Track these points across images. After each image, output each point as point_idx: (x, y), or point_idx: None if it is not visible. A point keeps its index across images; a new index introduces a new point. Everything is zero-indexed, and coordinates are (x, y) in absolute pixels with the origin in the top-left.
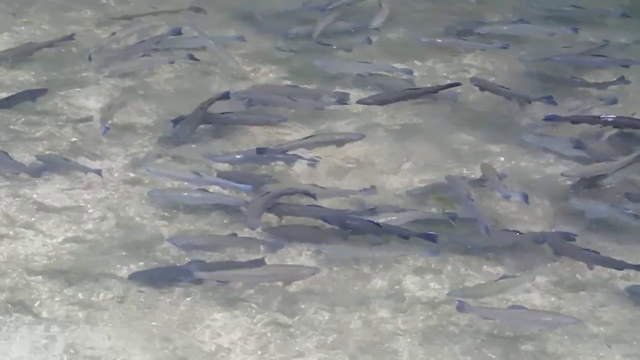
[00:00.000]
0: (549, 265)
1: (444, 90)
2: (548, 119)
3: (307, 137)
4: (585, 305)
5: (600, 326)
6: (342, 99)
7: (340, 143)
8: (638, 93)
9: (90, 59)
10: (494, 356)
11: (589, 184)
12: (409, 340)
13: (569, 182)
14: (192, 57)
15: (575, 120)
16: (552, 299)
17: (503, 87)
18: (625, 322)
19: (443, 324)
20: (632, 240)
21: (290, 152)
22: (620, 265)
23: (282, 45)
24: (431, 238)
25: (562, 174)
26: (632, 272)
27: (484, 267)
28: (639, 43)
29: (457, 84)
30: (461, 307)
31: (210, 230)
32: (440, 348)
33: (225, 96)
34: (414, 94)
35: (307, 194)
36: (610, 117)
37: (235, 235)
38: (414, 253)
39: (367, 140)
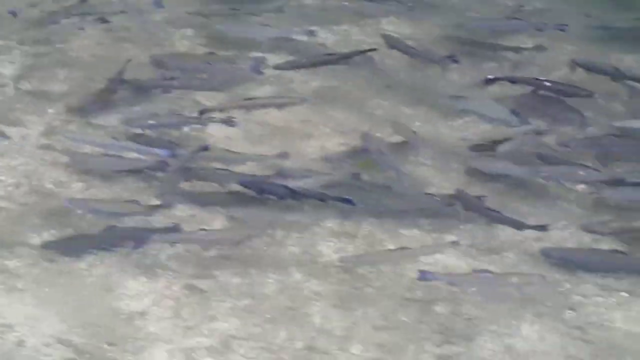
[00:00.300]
0: (461, 227)
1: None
2: (489, 80)
3: (248, 99)
4: (500, 267)
5: (513, 287)
6: (257, 67)
7: (281, 106)
8: (552, 58)
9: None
10: (407, 319)
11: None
12: (323, 304)
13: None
14: (103, 20)
15: (513, 80)
16: (468, 260)
17: (412, 47)
18: (537, 283)
19: (357, 287)
20: (544, 202)
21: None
22: (520, 226)
23: (194, 11)
24: (348, 202)
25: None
26: (547, 236)
27: (400, 230)
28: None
29: (373, 49)
30: (424, 276)
31: (126, 196)
32: (355, 312)
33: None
34: (330, 60)
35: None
36: (549, 81)
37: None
38: (327, 217)
39: (283, 108)
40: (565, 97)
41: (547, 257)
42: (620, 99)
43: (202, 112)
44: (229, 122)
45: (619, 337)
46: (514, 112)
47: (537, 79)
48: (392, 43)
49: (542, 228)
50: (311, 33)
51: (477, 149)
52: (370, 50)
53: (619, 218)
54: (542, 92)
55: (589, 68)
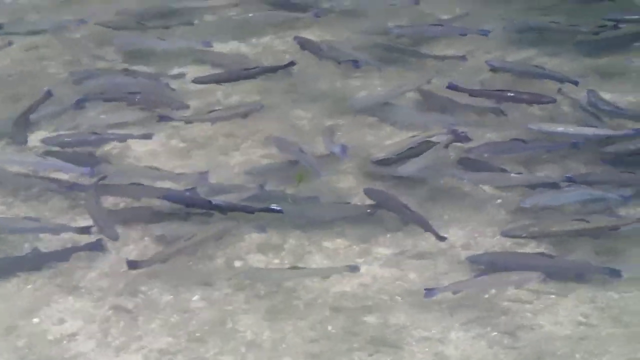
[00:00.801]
0: (388, 235)
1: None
2: (450, 87)
3: (210, 112)
4: (427, 275)
5: (442, 294)
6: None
7: (243, 115)
8: (476, 63)
9: None
10: (336, 330)
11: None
12: (252, 317)
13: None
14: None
15: (473, 94)
16: (394, 269)
17: (321, 48)
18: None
19: (286, 300)
20: (468, 206)
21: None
22: (427, 227)
23: (104, 22)
24: (277, 211)
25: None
26: (472, 241)
27: (324, 242)
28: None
29: (293, 64)
30: (431, 294)
31: (49, 216)
32: (285, 324)
33: (48, 95)
34: (252, 74)
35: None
36: (511, 92)
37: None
38: (244, 230)
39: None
40: (529, 104)
41: (474, 263)
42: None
43: (161, 118)
44: (147, 137)
45: (547, 340)
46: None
47: (500, 90)
48: (304, 45)
49: (441, 238)
50: (208, 43)
51: (380, 161)
52: (290, 64)
53: (539, 222)
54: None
55: (507, 70)
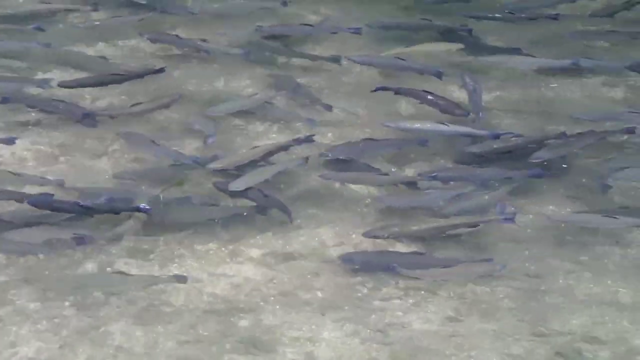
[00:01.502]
0: (259, 237)
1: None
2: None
3: (133, 105)
4: (298, 275)
5: (312, 294)
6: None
7: (166, 105)
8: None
9: None
10: (208, 333)
11: None
12: (123, 322)
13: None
14: None
15: (399, 92)
16: (264, 269)
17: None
18: (336, 289)
19: (156, 304)
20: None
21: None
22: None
23: None
24: (145, 210)
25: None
26: (343, 240)
27: (195, 245)
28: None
29: (163, 70)
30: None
31: None
32: (156, 328)
33: None
34: (119, 78)
35: None
36: (434, 95)
37: None
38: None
39: (73, 125)
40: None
41: (348, 262)
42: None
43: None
44: (8, 141)
45: (417, 337)
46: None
47: (425, 91)
48: (155, 38)
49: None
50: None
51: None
52: (159, 70)
53: (404, 221)
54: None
55: (369, 64)
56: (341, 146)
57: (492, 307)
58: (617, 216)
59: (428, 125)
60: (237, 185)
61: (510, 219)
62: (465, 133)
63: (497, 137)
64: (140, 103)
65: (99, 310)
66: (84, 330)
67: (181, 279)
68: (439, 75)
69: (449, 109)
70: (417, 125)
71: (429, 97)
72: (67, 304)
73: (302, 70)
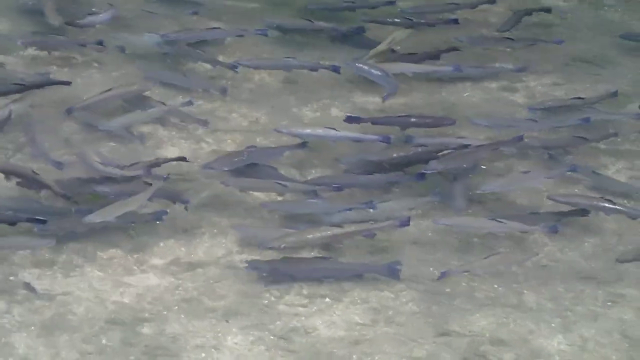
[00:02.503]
0: (162, 244)
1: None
2: (349, 119)
3: (105, 91)
4: (202, 282)
5: (216, 301)
6: None
7: (137, 92)
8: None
9: None
10: (112, 343)
11: None
12: (25, 333)
13: None
14: None
15: (376, 122)
16: (170, 278)
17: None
18: (240, 295)
19: (61, 314)
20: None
21: None
22: None
23: None
24: (40, 222)
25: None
26: (246, 249)
27: (99, 253)
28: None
29: (68, 82)
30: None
31: None
32: (59, 338)
33: None
34: (22, 88)
35: None
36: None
37: None
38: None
39: None
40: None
41: (255, 269)
42: None
43: None
44: None
45: (322, 343)
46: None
47: (400, 116)
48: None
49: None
50: None
51: None
52: (65, 82)
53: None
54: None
55: (260, 67)
56: (221, 158)
57: (397, 312)
58: (503, 220)
59: (319, 131)
60: (94, 218)
61: (406, 224)
62: (355, 138)
63: (388, 141)
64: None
65: (2, 320)
66: None
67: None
68: (336, 70)
69: (437, 122)
70: (308, 130)
71: (412, 120)
72: None
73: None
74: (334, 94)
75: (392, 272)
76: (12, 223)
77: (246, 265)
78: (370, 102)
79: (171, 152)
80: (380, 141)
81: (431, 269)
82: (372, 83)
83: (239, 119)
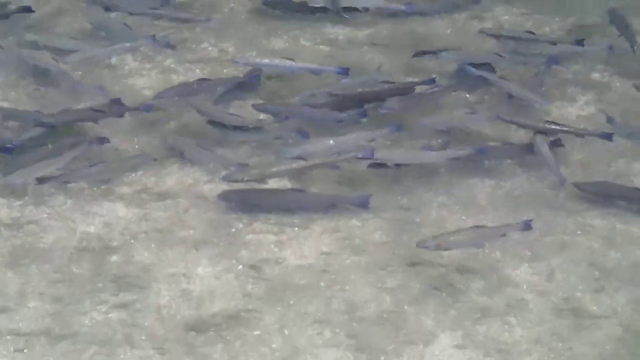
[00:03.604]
0: (133, 175)
1: None
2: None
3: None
4: (171, 213)
5: (186, 230)
6: None
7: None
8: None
9: None
10: (82, 270)
11: None
12: None
13: None
14: None
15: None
16: (137, 209)
17: None
18: (209, 225)
19: (30, 243)
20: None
21: None
22: None
23: None
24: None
25: None
26: (216, 178)
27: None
28: None
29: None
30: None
31: None
32: (29, 268)
33: None
34: None
35: None
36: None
37: None
38: None
39: None
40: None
41: (225, 200)
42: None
43: None
44: None
45: (291, 271)
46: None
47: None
48: None
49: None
50: None
51: None
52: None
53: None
54: None
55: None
56: (172, 89)
57: (365, 240)
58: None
59: (276, 61)
60: (14, 179)
61: (369, 155)
62: (314, 70)
63: (346, 72)
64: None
65: None
66: None
67: None
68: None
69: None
70: (266, 61)
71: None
72: None
73: None
74: (303, 24)
75: (363, 203)
76: None
77: (217, 196)
78: (340, 33)
79: (140, 82)
80: (338, 73)
81: (399, 198)
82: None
83: (209, 49)
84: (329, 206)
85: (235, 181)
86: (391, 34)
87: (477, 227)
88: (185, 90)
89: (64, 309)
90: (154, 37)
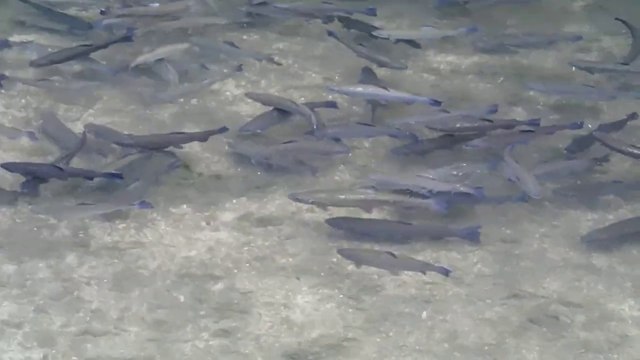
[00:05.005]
0: (234, 201)
1: None
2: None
3: None
4: (273, 239)
5: (287, 258)
6: None
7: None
8: None
9: None
10: (183, 297)
11: None
12: (97, 286)
13: None
14: None
15: None
16: (239, 234)
17: None
18: (310, 253)
19: (131, 268)
20: None
21: None
22: None
23: None
24: (117, 177)
25: None
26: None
27: (170, 208)
28: None
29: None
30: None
31: None
32: (131, 292)
33: None
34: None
35: None
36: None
37: None
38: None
39: None
40: None
41: (334, 226)
42: None
43: None
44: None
45: (391, 301)
46: None
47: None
48: None
49: None
50: None
51: None
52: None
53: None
54: None
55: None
56: (255, 121)
57: (465, 272)
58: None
59: (370, 89)
60: None
61: (480, 195)
62: (405, 99)
63: (438, 104)
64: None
65: (73, 274)
66: (59, 294)
67: None
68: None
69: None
70: (359, 89)
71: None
72: (42, 265)
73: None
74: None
75: (472, 235)
76: (90, 178)
77: (326, 221)
78: (442, 62)
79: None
80: (431, 104)
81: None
82: None
83: (312, 77)
84: (435, 238)
85: (300, 201)
86: (496, 63)
87: None
88: (266, 122)
89: (164, 335)
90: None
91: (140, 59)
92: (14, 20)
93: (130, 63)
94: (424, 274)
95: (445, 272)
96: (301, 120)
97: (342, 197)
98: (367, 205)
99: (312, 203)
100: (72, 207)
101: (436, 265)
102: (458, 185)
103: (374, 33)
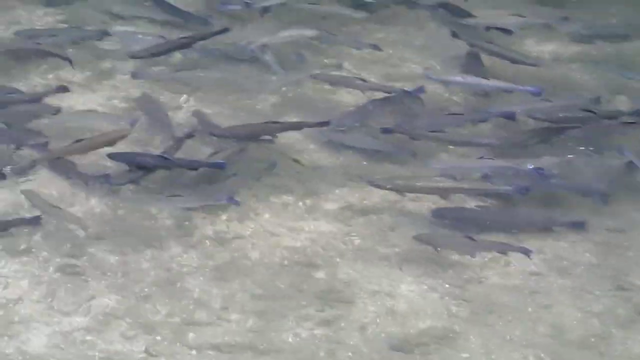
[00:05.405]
0: (336, 191)
1: None
2: None
3: None
4: (375, 229)
5: (390, 248)
6: None
7: None
8: None
9: None
10: (285, 286)
11: None
12: (201, 276)
13: None
14: None
15: None
16: (341, 224)
17: None
18: (412, 243)
19: (234, 258)
20: None
21: None
22: None
23: None
24: (221, 166)
25: None
26: (419, 195)
27: (272, 198)
28: None
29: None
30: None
31: None
32: (232, 283)
33: None
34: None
35: None
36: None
37: None
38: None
39: None
40: None
41: (439, 217)
42: None
43: None
44: None
45: (495, 292)
46: None
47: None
48: None
49: None
50: None
51: None
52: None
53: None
54: None
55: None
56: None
57: (572, 263)
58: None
59: (468, 79)
60: None
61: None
62: (505, 88)
63: (539, 93)
64: None
65: (176, 264)
66: (162, 284)
67: None
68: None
69: None
70: (458, 78)
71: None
72: (146, 256)
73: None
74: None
75: (579, 226)
76: (195, 169)
77: (431, 212)
78: (545, 50)
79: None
80: (532, 93)
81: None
82: None
83: (412, 67)
84: (542, 228)
85: (378, 187)
86: (599, 52)
87: None
88: (360, 115)
89: (267, 325)
90: None
91: (264, 40)
92: (111, 13)
93: (250, 44)
94: (505, 254)
95: (527, 253)
96: None
97: (420, 184)
98: (445, 192)
99: (390, 189)
100: (160, 199)
101: (516, 245)
102: (516, 166)
103: (463, 22)
